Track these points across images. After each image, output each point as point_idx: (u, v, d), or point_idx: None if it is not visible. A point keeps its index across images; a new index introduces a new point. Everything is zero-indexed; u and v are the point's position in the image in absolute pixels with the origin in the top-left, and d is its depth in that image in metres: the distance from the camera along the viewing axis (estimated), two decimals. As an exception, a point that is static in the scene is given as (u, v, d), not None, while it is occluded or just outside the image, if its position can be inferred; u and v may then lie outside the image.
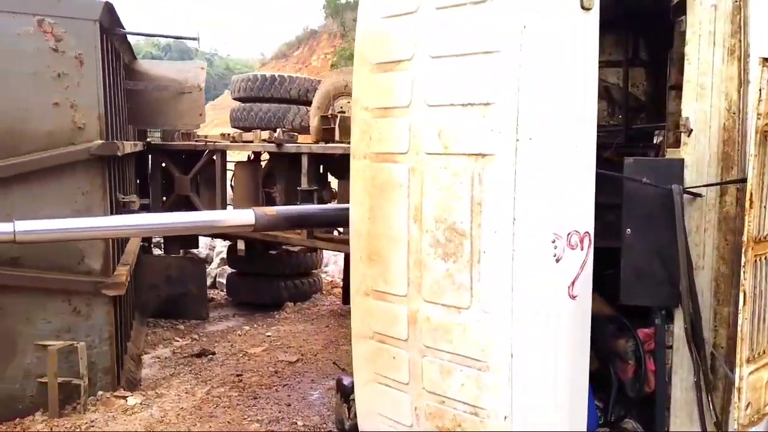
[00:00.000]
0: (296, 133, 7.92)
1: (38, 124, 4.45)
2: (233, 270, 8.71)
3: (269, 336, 6.82)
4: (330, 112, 7.34)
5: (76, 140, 4.58)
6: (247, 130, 8.64)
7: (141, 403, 4.76)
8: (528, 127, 2.89)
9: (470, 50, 3.04)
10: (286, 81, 8.52)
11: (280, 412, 4.75)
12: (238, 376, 5.53)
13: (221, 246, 10.69)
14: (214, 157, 8.05)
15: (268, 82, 8.49)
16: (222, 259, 9.94)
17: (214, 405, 4.84)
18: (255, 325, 7.25)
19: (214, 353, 6.27)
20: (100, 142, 4.64)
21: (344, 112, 7.35)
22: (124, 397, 4.79)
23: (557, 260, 2.92)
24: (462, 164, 3.07)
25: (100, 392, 4.76)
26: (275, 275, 8.36)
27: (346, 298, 7.91)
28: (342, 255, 10.12)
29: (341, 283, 9.57)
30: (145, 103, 7.37)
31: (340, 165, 7.14)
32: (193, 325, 7.35)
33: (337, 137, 7.09)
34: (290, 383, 5.43)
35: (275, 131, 7.38)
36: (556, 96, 2.90)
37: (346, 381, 4.18)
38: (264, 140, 7.83)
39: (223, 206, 7.94)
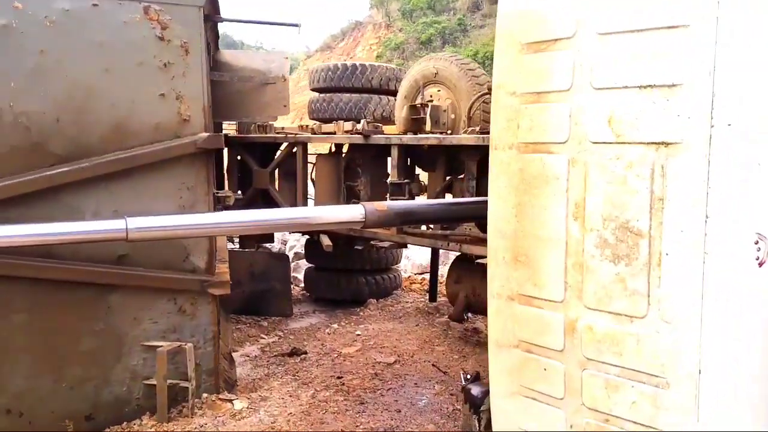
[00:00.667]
0: (380, 124, 7.64)
1: (145, 116, 4.25)
2: (311, 265, 8.50)
3: (359, 335, 6.57)
4: (419, 101, 7.01)
5: (181, 133, 4.37)
6: (327, 121, 8.40)
7: (248, 407, 4.55)
8: (725, 112, 2.52)
9: (650, 25, 2.69)
10: (367, 70, 8.22)
11: (392, 420, 4.49)
12: (338, 378, 5.29)
13: (293, 240, 10.49)
14: (294, 150, 7.82)
15: (349, 72, 8.22)
16: (296, 253, 9.75)
17: (322, 410, 4.60)
18: (342, 323, 7.01)
19: (305, 352, 6.06)
20: (206, 134, 4.43)
21: (433, 101, 7.03)
22: (230, 400, 4.60)
23: (760, 264, 2.54)
24: (639, 154, 2.72)
25: (204, 395, 4.57)
26: (356, 270, 8.12)
27: (432, 295, 7.61)
28: (418, 250, 9.86)
29: (418, 278, 9.28)
30: (228, 95, 7.17)
31: (430, 157, 6.84)
32: (276, 322, 7.16)
33: (428, 127, 6.77)
34: (393, 387, 5.16)
35: (357, 122, 7.11)
36: (759, 76, 2.52)
37: (474, 391, 3.88)
38: (347, 131, 7.57)
39: (304, 200, 7.71)
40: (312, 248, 8.14)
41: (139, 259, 4.31)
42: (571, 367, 3.05)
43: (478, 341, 6.58)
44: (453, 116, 6.83)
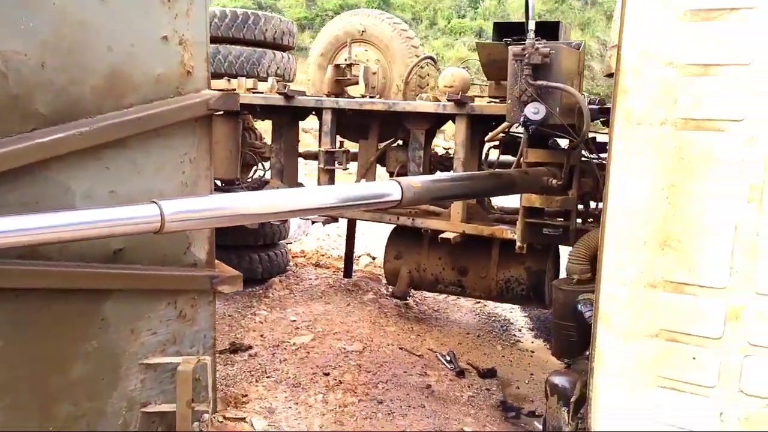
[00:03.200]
0: (287, 83, 6.86)
1: (145, 65, 3.17)
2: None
3: (294, 321, 5.89)
4: (346, 61, 6.40)
5: (183, 88, 3.36)
6: (214, 76, 7.33)
7: (269, 425, 3.78)
8: None
9: None
10: (261, 20, 7.28)
11: (428, 417, 4.06)
12: (325, 375, 4.67)
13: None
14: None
15: (240, 21, 7.21)
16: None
17: (349, 416, 4.00)
18: (262, 308, 6.23)
19: (250, 347, 5.27)
20: (217, 92, 3.48)
21: (362, 62, 6.47)
22: (240, 419, 3.77)
23: None
24: (834, 136, 2.65)
25: (205, 416, 3.68)
26: (248, 247, 7.33)
27: (348, 271, 7.12)
28: (307, 224, 9.22)
29: (309, 252, 8.69)
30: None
31: (359, 124, 6.32)
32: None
33: (361, 90, 6.21)
34: (386, 378, 4.70)
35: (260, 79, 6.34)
36: None
37: (559, 381, 3.63)
38: (250, 90, 6.68)
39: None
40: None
41: (134, 254, 3.27)
42: (730, 355, 2.94)
43: (423, 318, 6.32)
44: (384, 80, 6.34)
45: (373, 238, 9.06)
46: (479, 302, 6.83)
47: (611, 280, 3.22)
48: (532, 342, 5.88)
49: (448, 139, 14.34)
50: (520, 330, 6.18)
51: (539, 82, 4.25)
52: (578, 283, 4.88)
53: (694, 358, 3.04)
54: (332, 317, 5.96)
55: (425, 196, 3.89)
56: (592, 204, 5.38)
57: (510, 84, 4.47)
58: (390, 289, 6.80)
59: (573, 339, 4.97)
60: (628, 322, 3.18)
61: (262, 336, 5.54)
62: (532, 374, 5.01)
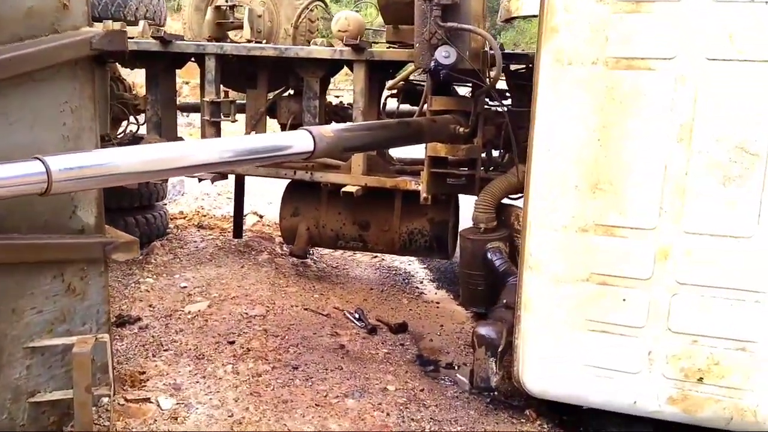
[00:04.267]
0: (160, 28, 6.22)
1: (12, -6, 2.62)
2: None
3: (185, 287, 5.46)
4: (227, 2, 5.88)
5: (60, 25, 2.83)
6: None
7: (178, 404, 3.42)
8: None
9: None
10: (125, -44, 6.54)
11: (349, 379, 3.88)
12: (230, 343, 4.33)
13: None
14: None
15: (101, -45, 6.42)
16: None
17: (268, 386, 3.72)
18: (145, 276, 5.73)
19: (139, 318, 4.81)
20: (99, 29, 2.96)
21: (246, 4, 5.99)
22: (144, 400, 3.38)
23: None
24: (763, 73, 2.69)
25: (104, 399, 3.27)
26: (125, 209, 6.71)
27: (238, 231, 6.71)
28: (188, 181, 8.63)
29: (188, 213, 8.15)
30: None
31: (244, 72, 5.88)
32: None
33: (246, 35, 5.76)
34: (296, 341, 4.46)
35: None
36: None
37: (485, 332, 3.55)
38: (119, 36, 6.00)
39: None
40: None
41: (9, 221, 2.75)
42: (658, 295, 2.98)
43: (324, 276, 6.08)
44: (270, 24, 5.92)
45: (258, 196, 8.64)
46: (377, 257, 6.69)
47: (541, 227, 3.15)
48: (436, 293, 5.84)
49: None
50: (421, 282, 6.13)
51: (449, 24, 4.06)
52: (485, 232, 4.84)
53: (624, 300, 3.05)
54: (227, 281, 5.58)
55: (338, 146, 3.63)
56: (495, 153, 5.35)
57: (418, 26, 4.25)
58: (286, 248, 6.50)
59: (481, 288, 4.96)
60: (559, 268, 3.14)
61: (151, 306, 5.07)
62: (441, 326, 4.95)
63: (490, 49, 4.93)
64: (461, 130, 4.60)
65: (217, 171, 5.49)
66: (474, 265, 4.84)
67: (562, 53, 2.97)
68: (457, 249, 5.62)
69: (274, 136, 3.47)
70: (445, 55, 4.06)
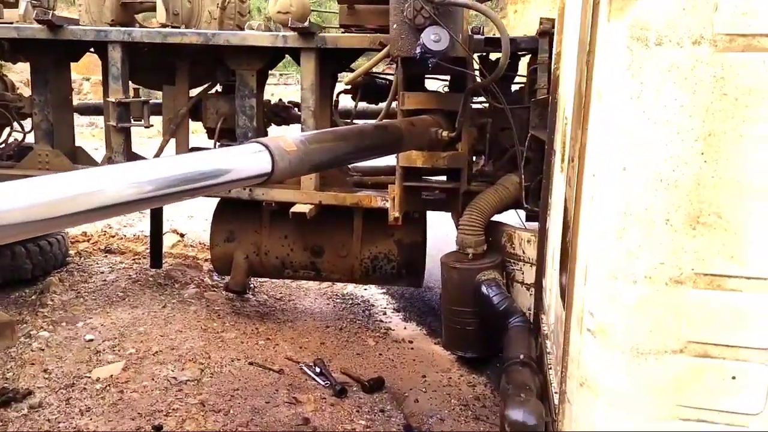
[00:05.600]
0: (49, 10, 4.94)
1: None
2: None
3: (92, 341, 4.28)
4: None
5: None
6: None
7: None
8: None
9: None
10: None
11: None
12: (157, 430, 3.22)
13: None
14: None
15: None
16: None
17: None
18: (41, 324, 4.49)
19: (30, 392, 3.63)
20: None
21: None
22: None
23: None
24: None
25: None
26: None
27: (157, 259, 5.51)
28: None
29: (95, 235, 6.83)
30: None
31: (160, 64, 4.73)
32: None
33: (160, 19, 4.60)
34: (254, 418, 3.41)
35: None
36: None
37: (521, 416, 2.59)
38: (-7, 19, 4.75)
39: None
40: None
41: None
42: (780, 369, 2.12)
43: (267, 313, 5.00)
44: (190, 4, 4.78)
45: (175, 209, 7.40)
46: (328, 283, 5.66)
47: (611, 278, 2.23)
48: (405, 327, 4.88)
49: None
50: (385, 313, 5.15)
51: (441, -2, 3.09)
52: (475, 258, 3.94)
53: (733, 378, 2.17)
54: (146, 329, 4.43)
55: (305, 163, 2.67)
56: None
57: (394, 2, 3.26)
58: (218, 278, 5.37)
59: (471, 328, 4.05)
60: (638, 335, 2.23)
61: (46, 372, 3.88)
62: (424, 377, 4.00)
63: (473, 31, 4.01)
64: (445, 134, 3.65)
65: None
66: (461, 300, 3.93)
67: (646, 29, 2.05)
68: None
69: (214, 156, 2.38)
70: (434, 38, 3.09)
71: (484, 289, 3.75)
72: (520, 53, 4.29)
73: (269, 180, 2.50)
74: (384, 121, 3.63)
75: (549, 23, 3.91)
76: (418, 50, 3.11)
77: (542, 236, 3.87)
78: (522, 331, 3.51)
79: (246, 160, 2.45)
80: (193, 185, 2.19)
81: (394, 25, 3.27)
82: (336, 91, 4.64)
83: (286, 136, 2.64)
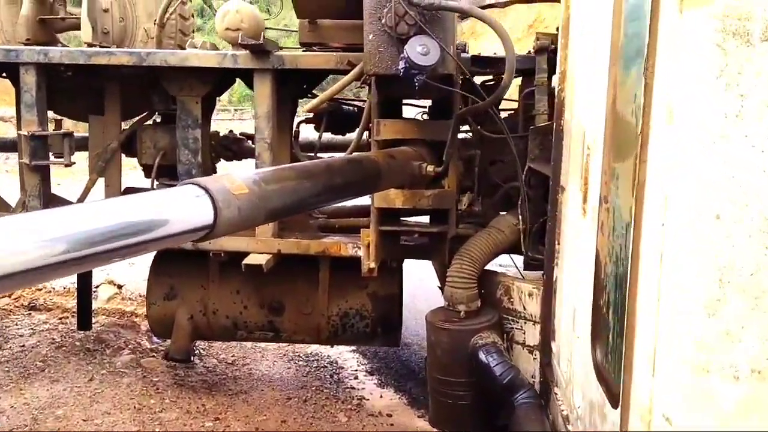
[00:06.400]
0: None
1: None
2: None
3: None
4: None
5: None
6: None
7: None
8: None
9: None
10: None
11: None
12: None
13: None
14: None
15: None
16: None
17: None
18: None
19: None
20: None
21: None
22: None
23: None
24: None
25: None
26: None
27: (85, 320, 4.69)
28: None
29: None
30: None
31: (83, 90, 4.01)
32: None
33: (85, 38, 3.88)
34: None
35: None
36: None
37: None
38: None
39: None
40: None
41: None
42: None
43: (216, 383, 4.22)
44: (122, 21, 4.08)
45: (115, 256, 6.54)
46: (289, 341, 4.92)
47: (701, 369, 1.61)
48: (381, 396, 4.16)
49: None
50: (356, 377, 4.43)
51: (429, 0, 2.47)
52: (468, 317, 3.28)
53: None
54: (67, 411, 3.63)
55: (259, 210, 2.01)
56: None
57: (370, 9, 2.63)
58: (158, 341, 4.58)
59: (465, 402, 3.37)
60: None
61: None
62: (410, 462, 3.30)
63: (458, 49, 3.41)
64: (430, 169, 3.01)
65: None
66: (453, 368, 3.26)
67: (746, 18, 1.46)
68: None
69: (124, 206, 1.67)
70: (422, 50, 2.47)
71: (482, 355, 3.09)
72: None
73: (211, 235, 1.85)
74: (358, 154, 2.97)
75: (547, 39, 3.35)
76: (401, 65, 2.48)
77: (548, 289, 3.26)
78: (533, 411, 2.85)
79: (177, 209, 1.78)
80: (114, 244, 1.56)
81: (370, 36, 2.63)
82: (296, 120, 3.99)
83: (235, 175, 1.96)
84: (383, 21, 2.56)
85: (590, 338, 2.31)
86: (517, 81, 3.81)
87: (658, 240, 1.63)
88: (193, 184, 1.83)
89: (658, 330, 1.65)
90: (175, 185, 3.66)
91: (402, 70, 2.49)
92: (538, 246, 3.32)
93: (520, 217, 3.32)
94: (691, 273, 1.56)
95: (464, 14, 2.48)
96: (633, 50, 1.94)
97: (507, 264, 3.69)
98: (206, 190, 1.80)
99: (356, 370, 4.52)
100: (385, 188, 2.99)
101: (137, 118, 4.08)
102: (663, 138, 1.61)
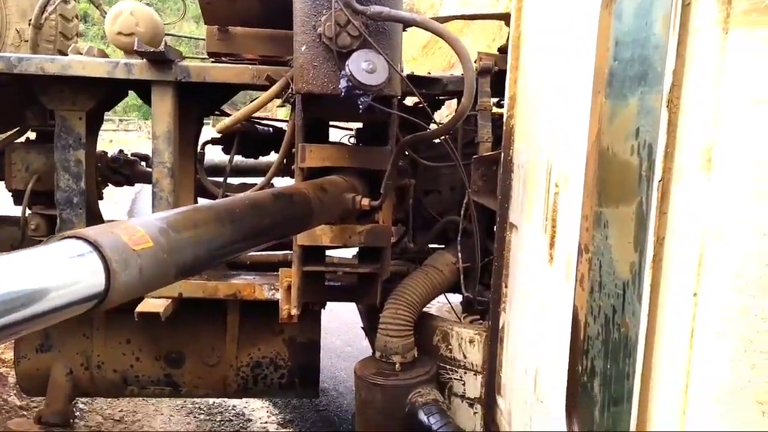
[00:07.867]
0: None
1: None
2: None
3: None
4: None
5: None
6: None
7: None
8: None
9: None
10: None
11: None
12: None
13: None
14: None
15: None
16: None
17: None
18: None
19: None
20: None
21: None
22: None
23: None
24: None
25: None
26: None
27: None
28: None
29: None
30: None
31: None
32: None
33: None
34: None
35: None
36: None
37: None
38: None
39: None
40: None
41: None
42: None
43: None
44: (-12, 21, 3.43)
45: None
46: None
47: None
48: (299, 453, 3.69)
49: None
50: (265, 427, 3.92)
51: (377, 8, 2.07)
52: (404, 370, 2.90)
53: None
54: None
55: (168, 268, 1.53)
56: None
57: (302, 16, 2.21)
58: (27, 400, 3.87)
59: (402, 471, 2.97)
60: None
61: None
62: None
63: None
64: (365, 202, 2.61)
65: None
66: (388, 430, 2.85)
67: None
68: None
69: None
70: (368, 67, 2.07)
71: (422, 416, 2.70)
72: (442, 97, 3.42)
73: (102, 306, 1.38)
74: (285, 186, 2.51)
75: (490, 59, 3.06)
76: (343, 84, 2.07)
77: (494, 336, 2.94)
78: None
79: (54, 274, 1.30)
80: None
81: (303, 47, 2.21)
82: (201, 141, 3.47)
83: (133, 222, 1.47)
84: (319, 30, 2.14)
85: (564, 408, 1.98)
86: (453, 104, 3.52)
87: (687, 313, 1.32)
88: (76, 237, 1.33)
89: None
90: (53, 215, 3.03)
91: (343, 90, 2.08)
92: (476, 286, 3.01)
93: (459, 255, 2.99)
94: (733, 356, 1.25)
95: (417, 26, 2.11)
96: (632, 77, 1.63)
97: (441, 301, 3.35)
98: (95, 245, 1.32)
99: (266, 423, 4.01)
100: (316, 226, 2.55)
101: (5, 135, 3.41)
102: (696, 188, 1.30)
